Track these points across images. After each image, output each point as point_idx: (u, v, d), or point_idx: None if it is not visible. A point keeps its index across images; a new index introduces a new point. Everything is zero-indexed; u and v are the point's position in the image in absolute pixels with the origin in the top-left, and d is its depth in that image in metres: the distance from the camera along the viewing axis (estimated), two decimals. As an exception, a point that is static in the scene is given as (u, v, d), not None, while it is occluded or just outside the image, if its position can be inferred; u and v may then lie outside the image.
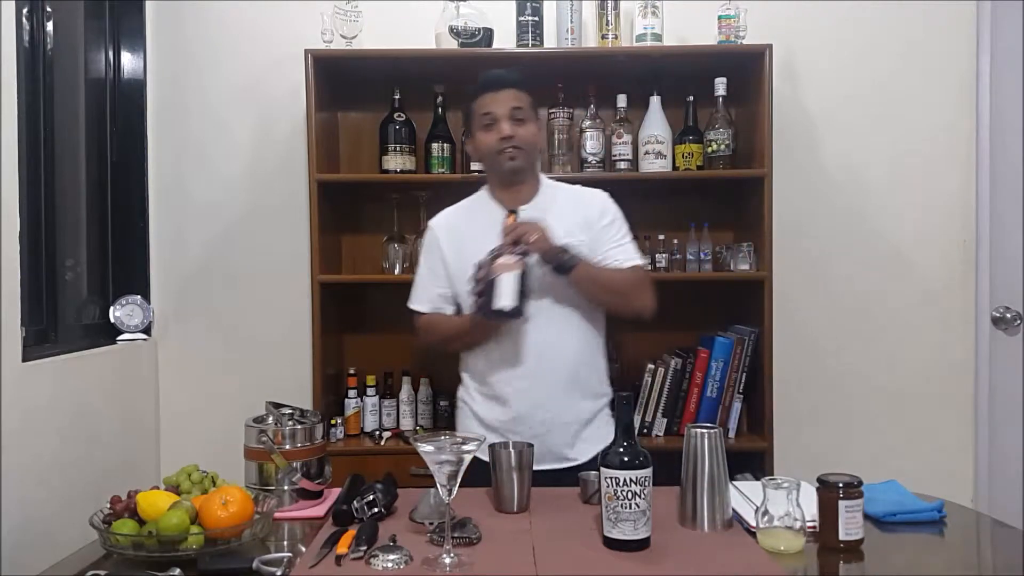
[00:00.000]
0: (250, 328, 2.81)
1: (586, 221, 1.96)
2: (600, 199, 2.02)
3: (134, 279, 2.73)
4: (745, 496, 1.62)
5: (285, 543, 1.52)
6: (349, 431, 2.64)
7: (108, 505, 1.49)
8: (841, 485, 1.41)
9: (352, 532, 1.44)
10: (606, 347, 2.05)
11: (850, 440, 2.79)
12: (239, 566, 1.32)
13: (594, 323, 1.99)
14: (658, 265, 2.63)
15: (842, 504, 1.40)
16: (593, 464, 1.90)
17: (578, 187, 2.07)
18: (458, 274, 1.95)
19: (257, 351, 2.80)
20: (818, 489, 1.45)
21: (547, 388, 1.91)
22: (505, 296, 1.73)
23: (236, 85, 2.79)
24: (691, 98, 2.64)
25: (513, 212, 1.92)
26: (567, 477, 1.80)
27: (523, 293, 1.76)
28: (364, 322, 2.82)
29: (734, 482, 1.65)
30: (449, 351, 2.08)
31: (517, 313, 1.75)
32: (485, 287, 1.75)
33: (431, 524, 1.48)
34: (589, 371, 1.98)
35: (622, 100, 2.65)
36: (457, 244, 1.98)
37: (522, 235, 1.80)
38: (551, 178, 2.11)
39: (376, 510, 1.54)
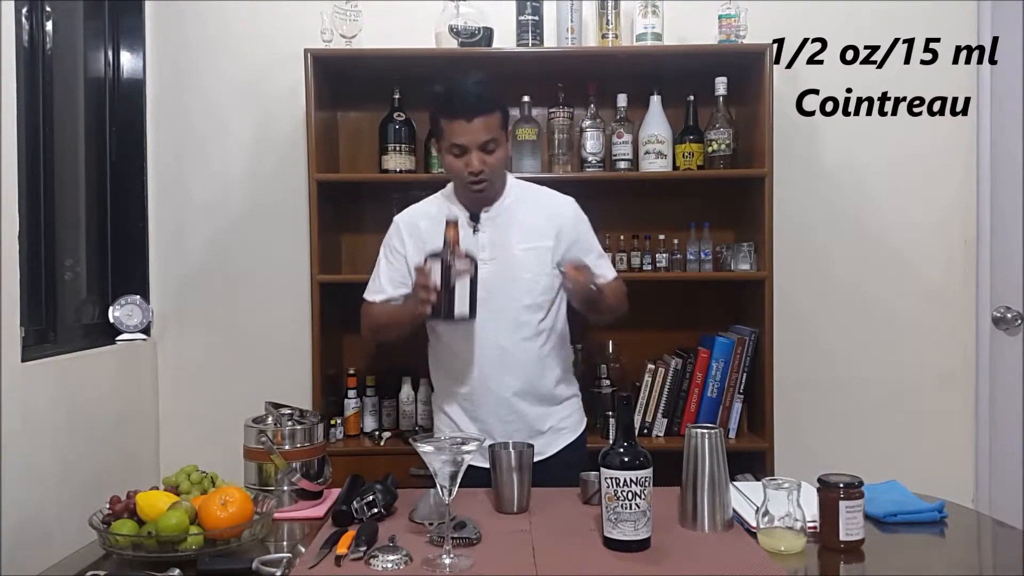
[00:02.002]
0: (249, 328, 2.80)
1: (556, 229, 1.96)
2: (571, 208, 2.02)
3: (133, 279, 2.72)
4: (745, 496, 1.62)
5: (284, 543, 1.52)
6: (349, 431, 2.64)
7: (107, 505, 1.48)
8: (842, 485, 1.41)
9: (352, 532, 1.44)
10: (569, 346, 2.08)
11: (850, 440, 2.79)
12: (238, 567, 1.32)
13: (550, 325, 1.99)
14: (658, 265, 2.63)
15: (843, 504, 1.40)
16: (561, 457, 1.95)
17: (545, 190, 2.05)
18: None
19: (257, 351, 2.80)
20: (819, 489, 1.45)
21: (503, 391, 1.94)
22: (461, 302, 1.78)
23: (235, 85, 2.78)
24: (691, 98, 2.64)
25: (474, 217, 1.96)
26: (537, 472, 1.75)
27: (473, 294, 1.80)
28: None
29: (734, 482, 1.65)
30: (378, 340, 2.12)
31: (472, 315, 1.81)
32: (441, 293, 1.78)
33: (431, 524, 1.48)
34: (544, 371, 1.98)
35: (622, 100, 2.64)
36: (418, 243, 1.99)
37: (583, 282, 1.81)
38: (521, 178, 2.10)
39: (376, 510, 1.54)
